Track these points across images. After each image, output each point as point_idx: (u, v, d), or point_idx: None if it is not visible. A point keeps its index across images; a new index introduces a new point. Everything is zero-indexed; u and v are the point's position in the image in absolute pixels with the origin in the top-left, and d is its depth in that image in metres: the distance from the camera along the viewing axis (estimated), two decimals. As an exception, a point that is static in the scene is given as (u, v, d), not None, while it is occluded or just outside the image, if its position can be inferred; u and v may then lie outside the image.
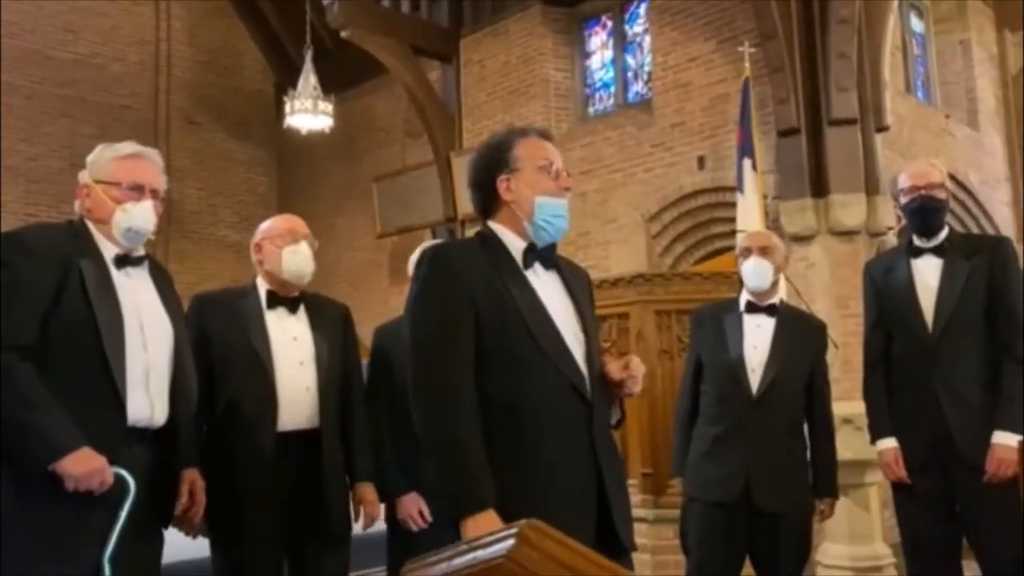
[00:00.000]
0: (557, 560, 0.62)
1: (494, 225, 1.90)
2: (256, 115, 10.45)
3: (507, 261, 1.86)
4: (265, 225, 2.72)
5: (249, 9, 10.31)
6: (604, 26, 8.11)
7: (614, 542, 1.79)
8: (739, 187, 5.87)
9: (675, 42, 7.12)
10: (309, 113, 7.71)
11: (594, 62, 8.15)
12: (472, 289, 1.79)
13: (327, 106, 7.79)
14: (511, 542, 0.62)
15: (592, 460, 1.80)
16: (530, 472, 1.75)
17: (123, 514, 1.90)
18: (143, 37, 9.78)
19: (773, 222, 6.09)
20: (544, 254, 1.89)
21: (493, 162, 1.91)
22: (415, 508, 2.73)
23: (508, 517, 1.66)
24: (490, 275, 1.81)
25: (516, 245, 1.87)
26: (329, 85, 8.03)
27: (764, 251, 2.95)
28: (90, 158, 2.16)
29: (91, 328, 1.94)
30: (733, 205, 6.09)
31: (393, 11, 8.23)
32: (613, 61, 8.00)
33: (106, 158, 2.14)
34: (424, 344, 1.78)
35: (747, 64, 5.97)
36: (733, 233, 6.01)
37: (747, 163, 5.82)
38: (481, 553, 0.65)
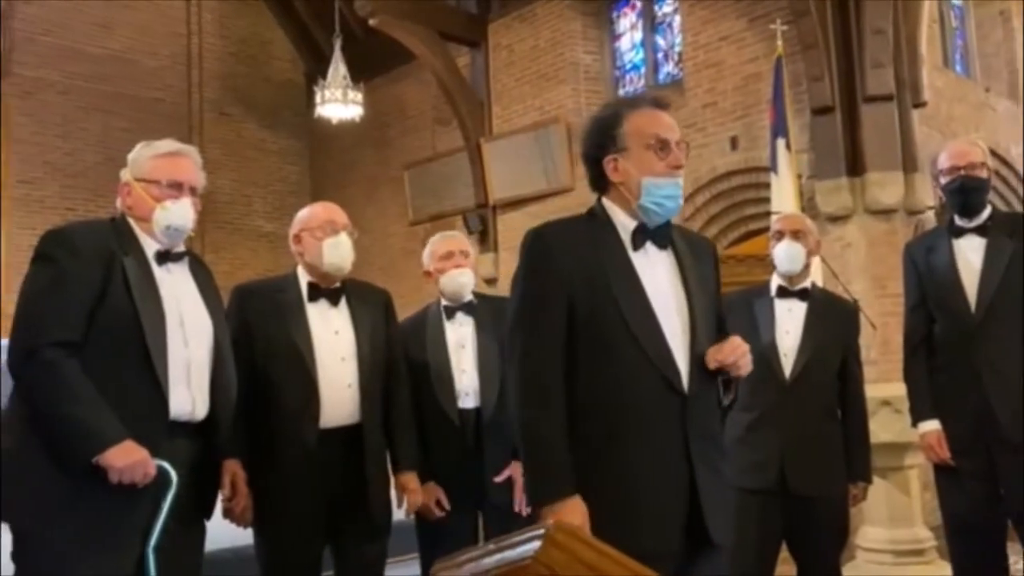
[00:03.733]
0: (584, 562, 0.62)
1: (606, 202, 1.84)
2: (287, 105, 10.52)
3: (613, 242, 1.79)
4: (303, 215, 2.69)
5: (278, 0, 10.37)
6: (633, 7, 8.03)
7: (705, 538, 1.74)
8: (773, 167, 5.79)
9: (706, 21, 7.03)
10: (339, 102, 7.74)
11: (623, 44, 8.08)
12: (566, 275, 1.75)
13: (357, 95, 7.81)
14: (538, 544, 0.62)
15: (684, 454, 1.74)
16: (618, 465, 1.74)
17: (166, 506, 1.94)
18: (175, 30, 9.87)
19: (808, 202, 6.01)
20: (657, 234, 1.82)
21: (600, 141, 1.83)
22: (432, 497, 2.75)
23: (597, 508, 1.70)
24: (589, 258, 1.76)
25: (626, 225, 1.81)
26: (358, 73, 8.05)
27: (796, 234, 2.92)
28: (130, 156, 2.19)
29: (134, 324, 1.97)
30: (767, 186, 6.01)
31: (421, -2, 8.23)
32: (643, 42, 7.93)
33: (145, 156, 2.17)
34: (516, 331, 1.79)
35: (779, 42, 5.88)
36: (767, 214, 5.94)
37: (781, 143, 5.74)
38: (509, 554, 0.65)
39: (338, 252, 2.58)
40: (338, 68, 7.65)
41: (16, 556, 1.96)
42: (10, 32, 8.60)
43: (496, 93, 8.44)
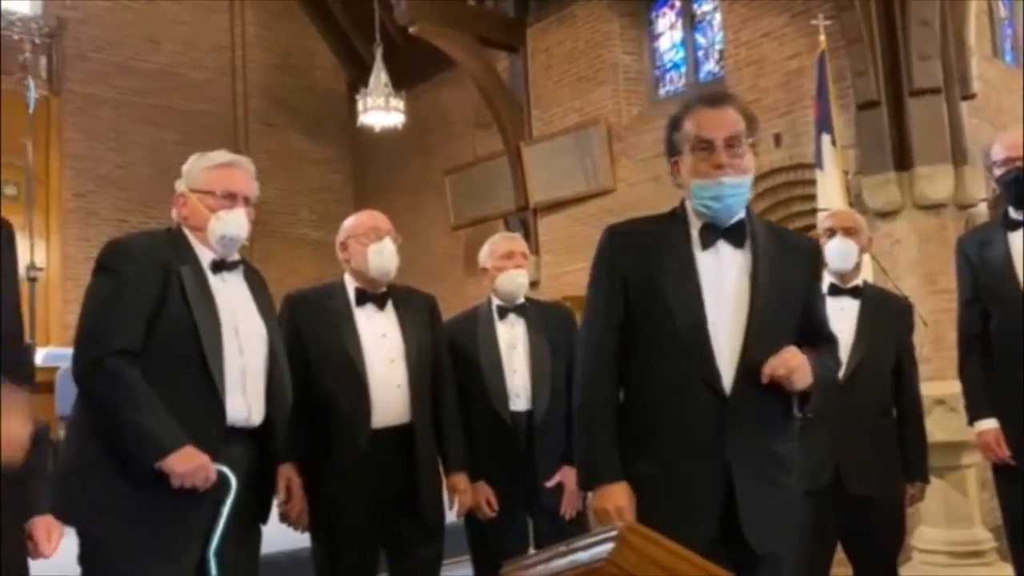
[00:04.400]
0: (656, 562, 0.63)
1: (687, 202, 1.87)
2: (329, 114, 10.65)
3: (681, 241, 1.82)
4: (349, 223, 2.75)
5: (319, 11, 10.50)
6: (672, 6, 7.99)
7: (745, 547, 1.74)
8: (818, 164, 5.71)
9: (746, 18, 6.97)
10: (381, 110, 7.83)
11: (663, 43, 8.04)
12: (625, 272, 1.83)
13: (398, 102, 7.89)
14: (611, 545, 0.63)
15: (720, 458, 1.74)
16: (654, 459, 1.79)
17: (226, 510, 1.99)
18: (219, 43, 10.07)
19: (855, 198, 5.92)
20: (731, 233, 1.81)
21: (667, 145, 1.88)
22: (482, 497, 2.76)
23: (639, 497, 1.79)
24: (650, 257, 1.81)
25: (697, 225, 1.83)
26: (399, 81, 8.13)
27: (848, 231, 2.88)
28: (185, 167, 2.25)
29: (191, 333, 2.02)
30: (812, 183, 5.94)
31: (459, 4, 8.27)
32: (683, 41, 7.88)
33: (200, 167, 2.22)
34: (583, 325, 1.94)
35: (822, 37, 5.80)
36: (814, 212, 5.87)
37: (826, 138, 5.65)
38: (581, 556, 0.66)
39: (382, 257, 2.63)
40: (379, 77, 7.73)
41: (83, 560, 2.02)
42: (63, 51, 8.84)
43: (535, 96, 8.45)
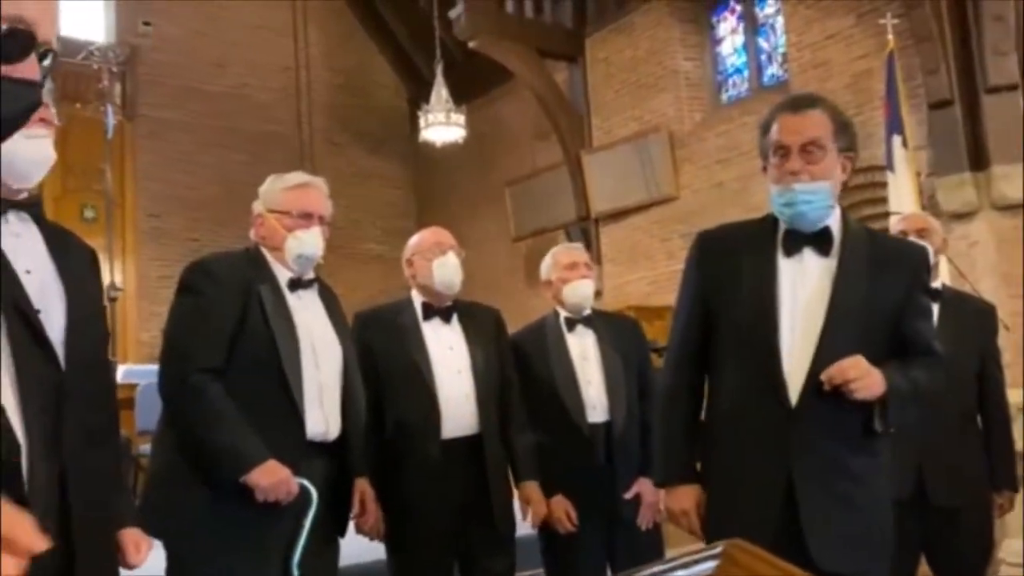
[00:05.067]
0: (761, 579, 0.62)
1: None
2: (391, 131, 10.81)
3: (767, 248, 1.82)
4: (413, 240, 2.81)
5: (380, 30, 10.68)
6: (733, 10, 7.91)
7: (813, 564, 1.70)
8: (889, 166, 5.57)
9: (810, 20, 6.85)
10: (442, 125, 7.91)
11: (725, 48, 7.96)
12: (708, 278, 1.86)
13: (459, 117, 7.96)
14: (716, 562, 0.62)
15: (783, 469, 1.73)
16: (721, 465, 1.82)
17: (307, 523, 2.03)
18: (284, 65, 10.31)
19: (929, 200, 5.76)
20: (817, 240, 1.79)
21: (760, 151, 1.88)
22: (561, 511, 2.76)
23: (708, 499, 1.84)
24: (732, 263, 1.82)
25: (782, 231, 1.83)
26: (459, 95, 8.21)
27: (921, 233, 2.81)
28: (262, 189, 2.31)
29: (271, 349, 2.07)
30: (884, 185, 5.79)
31: (517, 17, 8.32)
32: (745, 45, 7.79)
33: (276, 189, 2.28)
34: (671, 328, 1.98)
35: (890, 36, 5.67)
36: (886, 215, 5.72)
37: (897, 140, 5.52)
38: (680, 574, 0.66)
39: (446, 270, 2.67)
40: (440, 92, 7.82)
41: (169, 572, 2.08)
42: (136, 77, 9.17)
43: (595, 106, 8.45)
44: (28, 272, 1.42)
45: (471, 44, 7.87)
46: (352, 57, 10.72)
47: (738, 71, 7.88)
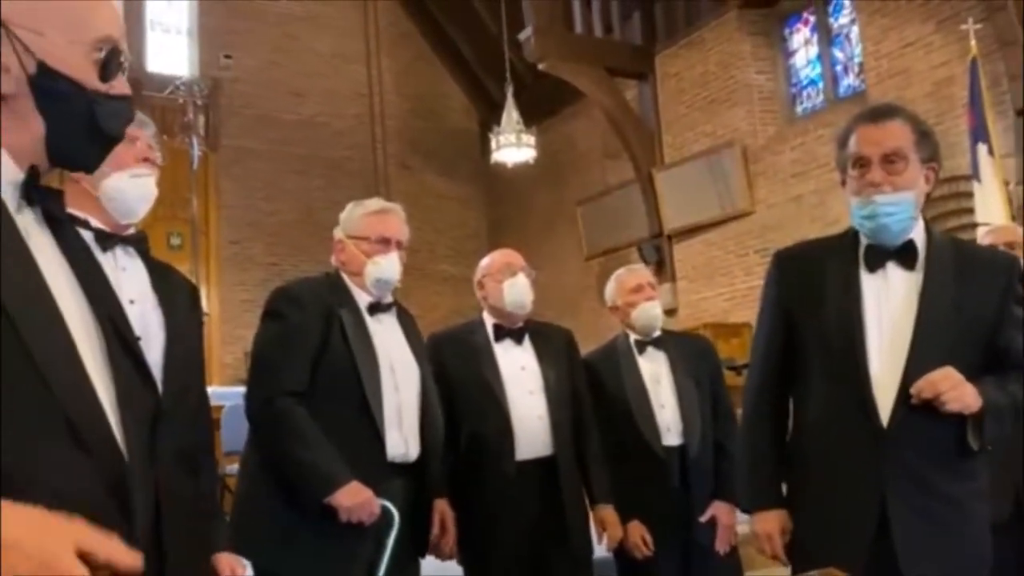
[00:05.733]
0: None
1: None
2: (463, 153, 10.95)
3: (849, 263, 1.78)
4: (484, 263, 2.83)
5: (451, 55, 10.86)
6: (806, 22, 7.78)
7: None
8: (975, 175, 5.39)
9: (887, 28, 6.69)
10: (513, 147, 7.98)
11: (798, 60, 7.83)
12: (788, 295, 1.82)
13: (530, 138, 8.02)
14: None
15: (874, 491, 1.68)
16: (811, 488, 1.78)
17: (390, 543, 2.05)
18: (358, 92, 10.56)
19: (1018, 210, 5.53)
20: (899, 254, 1.75)
21: (838, 164, 1.84)
22: (637, 535, 2.73)
23: (797, 522, 1.79)
24: (814, 280, 1.79)
25: (864, 245, 1.79)
26: (530, 117, 8.27)
27: (1011, 246, 2.70)
28: (343, 215, 2.37)
29: (352, 372, 2.12)
30: (969, 195, 5.60)
31: (586, 37, 8.36)
32: (819, 57, 7.65)
33: (356, 215, 2.33)
34: (752, 348, 1.94)
35: (972, 42, 5.49)
36: (973, 226, 5.52)
37: (982, 148, 5.33)
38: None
39: (517, 291, 2.68)
40: (511, 114, 7.89)
41: (257, 591, 2.13)
42: (218, 109, 9.52)
43: (666, 122, 8.40)
44: (131, 302, 1.50)
45: (541, 65, 7.92)
46: (423, 82, 10.92)
47: (812, 83, 7.73)
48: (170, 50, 9.62)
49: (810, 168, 7.21)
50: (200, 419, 1.70)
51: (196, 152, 6.00)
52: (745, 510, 1.93)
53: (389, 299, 2.33)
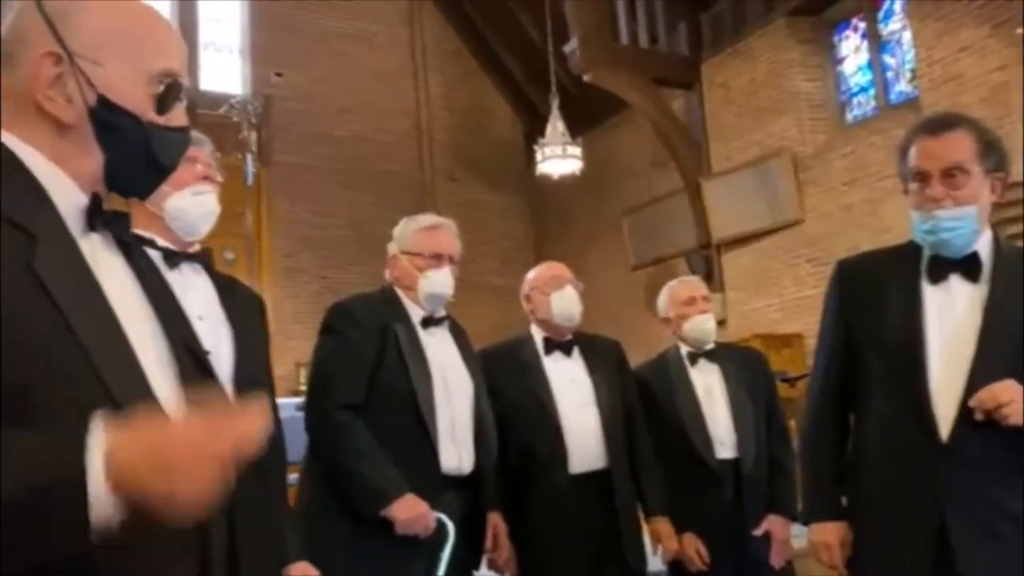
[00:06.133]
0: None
1: None
2: (508, 165, 11.00)
3: (909, 275, 1.76)
4: (531, 276, 2.85)
5: (496, 68, 10.94)
6: (855, 28, 7.67)
7: None
8: (1034, 181, 5.25)
9: (940, 33, 6.57)
10: (559, 158, 7.99)
11: (848, 67, 7.72)
12: (849, 306, 1.82)
13: (575, 149, 8.03)
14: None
15: (933, 506, 1.66)
16: (869, 503, 1.77)
17: (445, 556, 2.08)
18: (406, 108, 10.69)
19: (1082, 216, 5.38)
20: (964, 265, 1.72)
21: (899, 175, 1.82)
22: (691, 548, 2.71)
23: (856, 535, 1.78)
24: (875, 292, 1.77)
25: (927, 257, 1.77)
26: (575, 127, 8.28)
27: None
28: (396, 231, 2.41)
29: (406, 386, 2.15)
30: (1028, 202, 5.46)
31: (632, 47, 8.35)
32: (869, 63, 7.53)
33: (409, 231, 2.38)
34: (814, 360, 1.94)
35: (1030, 45, 5.37)
36: (1032, 233, 5.39)
37: (1041, 154, 5.20)
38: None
39: (565, 303, 2.69)
40: (556, 126, 7.92)
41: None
42: (270, 126, 9.70)
43: (713, 131, 8.34)
44: (200, 319, 1.55)
45: (586, 77, 7.93)
46: (469, 96, 11.01)
47: (863, 89, 7.62)
48: (223, 69, 9.84)
49: (861, 176, 7.10)
50: (275, 433, 1.75)
51: (250, 169, 6.13)
52: (804, 522, 1.92)
53: (442, 313, 2.36)
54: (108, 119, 0.93)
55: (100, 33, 0.94)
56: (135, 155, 0.96)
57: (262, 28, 9.92)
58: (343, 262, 9.53)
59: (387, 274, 2.39)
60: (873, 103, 7.51)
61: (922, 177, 1.72)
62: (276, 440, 1.77)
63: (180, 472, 0.75)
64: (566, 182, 8.61)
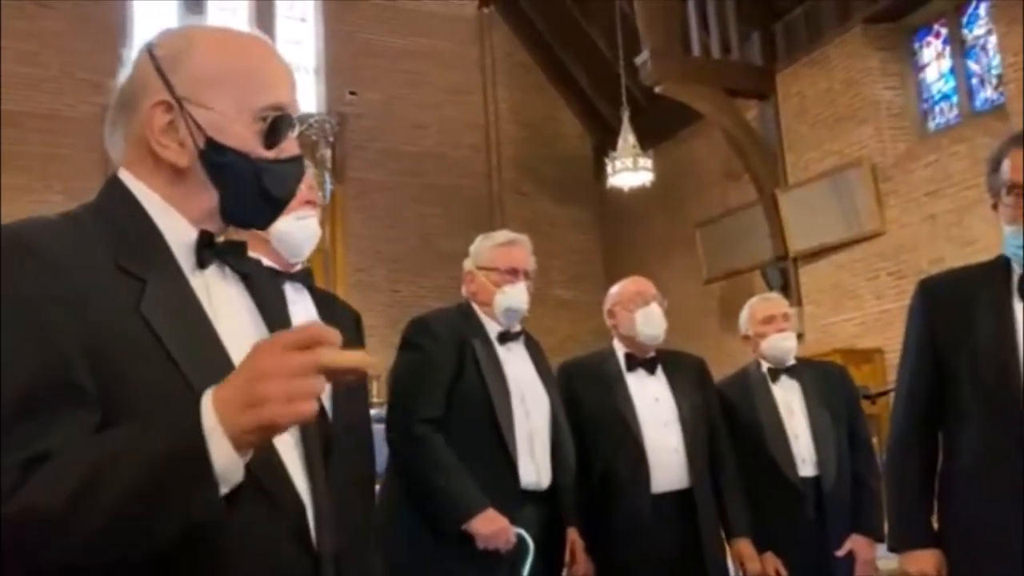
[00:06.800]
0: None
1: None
2: (576, 178, 10.99)
3: (999, 292, 1.72)
4: (614, 290, 2.83)
5: (565, 82, 10.96)
6: (937, 34, 7.44)
7: None
8: None
9: (1028, 37, 6.33)
10: (630, 171, 7.95)
11: (929, 74, 7.49)
12: (936, 326, 1.77)
13: (647, 161, 7.97)
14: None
15: None
16: (963, 529, 1.71)
17: (524, 572, 2.07)
18: (474, 122, 10.79)
19: None
20: None
21: (988, 188, 1.78)
22: (771, 567, 2.66)
23: (952, 562, 1.71)
24: (963, 311, 1.73)
25: (1017, 273, 1.73)
26: (645, 139, 8.23)
27: None
28: (472, 248, 2.44)
29: (484, 401, 2.16)
30: None
31: (704, 58, 8.26)
32: (952, 70, 7.30)
33: (485, 247, 2.40)
34: (897, 380, 1.89)
35: None
36: None
37: None
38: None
39: (650, 321, 2.67)
40: (627, 138, 7.88)
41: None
42: (344, 143, 9.91)
43: (789, 142, 8.19)
44: None
45: (658, 88, 7.88)
46: (538, 110, 11.05)
47: (945, 97, 7.38)
48: (300, 89, 10.05)
49: (945, 186, 6.86)
50: (367, 447, 1.78)
51: (328, 186, 6.26)
52: (894, 549, 1.85)
53: (518, 328, 2.37)
54: (217, 160, 0.96)
55: (206, 75, 0.97)
56: (248, 191, 0.98)
57: (336, 48, 10.15)
58: (413, 275, 9.65)
59: (463, 290, 2.41)
60: (956, 111, 7.27)
61: (1016, 191, 1.66)
62: (369, 457, 1.80)
63: (271, 395, 0.77)
64: (636, 195, 8.55)
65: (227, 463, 0.77)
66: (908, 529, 1.80)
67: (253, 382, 0.77)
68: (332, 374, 0.81)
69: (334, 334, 0.81)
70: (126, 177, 0.97)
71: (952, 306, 1.75)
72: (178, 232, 0.96)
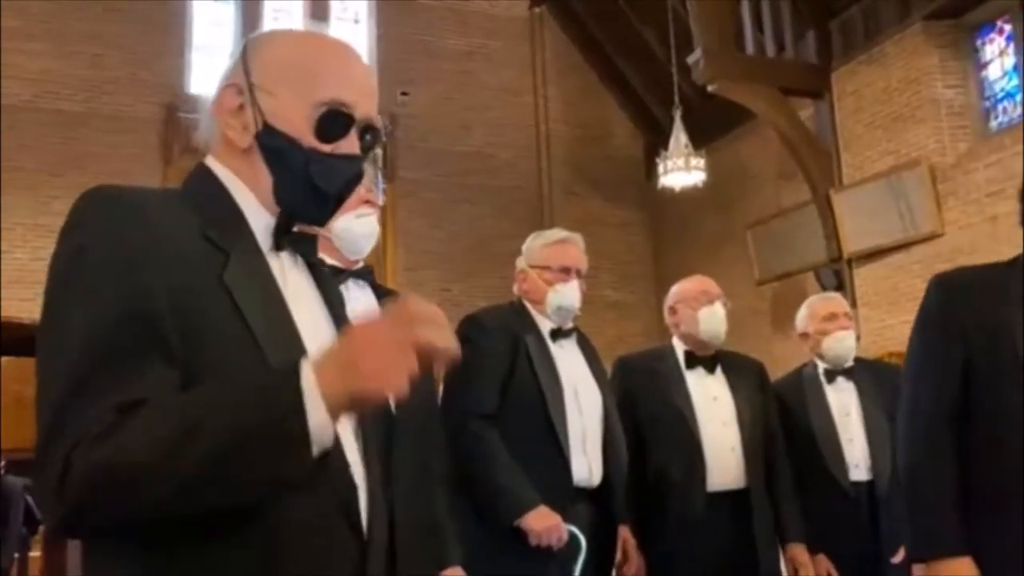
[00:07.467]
0: None
1: None
2: (627, 178, 10.94)
3: None
4: (677, 288, 2.83)
5: (616, 82, 10.92)
6: (1001, 31, 7.25)
7: None
8: None
9: (1098, 32, 6.13)
10: (682, 171, 7.89)
11: (992, 72, 7.30)
12: (962, 328, 1.67)
13: (699, 161, 7.91)
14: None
15: None
16: (1000, 537, 1.62)
17: (576, 569, 2.08)
18: (525, 123, 10.81)
19: None
20: None
21: None
22: (823, 570, 2.62)
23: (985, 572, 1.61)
24: (990, 311, 1.66)
25: None
26: (698, 139, 8.16)
27: None
28: (524, 246, 2.45)
29: (537, 397, 2.18)
30: None
31: (758, 57, 8.17)
32: (1016, 67, 7.10)
33: (538, 245, 2.41)
34: (908, 383, 1.77)
35: None
36: None
37: None
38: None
39: (713, 320, 2.66)
40: (679, 138, 7.82)
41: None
42: (394, 142, 10.01)
43: (844, 141, 8.04)
44: None
45: (711, 88, 7.81)
46: (589, 110, 11.02)
47: (1009, 95, 7.18)
48: (352, 89, 10.22)
49: (1007, 186, 6.67)
50: (431, 439, 1.81)
51: (381, 185, 6.34)
52: (919, 556, 1.72)
53: (570, 325, 2.38)
54: (270, 144, 0.99)
55: (278, 64, 1.01)
56: (295, 179, 1.00)
57: (388, 49, 10.26)
58: (462, 275, 9.70)
59: (515, 288, 2.43)
60: (1020, 110, 7.07)
61: None
62: (434, 448, 1.83)
63: (368, 366, 0.80)
64: (687, 195, 8.48)
65: (321, 425, 0.80)
66: (940, 535, 1.67)
67: (351, 351, 0.81)
68: (425, 354, 0.82)
69: (436, 311, 0.83)
70: (211, 162, 1.03)
71: (975, 306, 1.67)
72: (257, 214, 1.00)
